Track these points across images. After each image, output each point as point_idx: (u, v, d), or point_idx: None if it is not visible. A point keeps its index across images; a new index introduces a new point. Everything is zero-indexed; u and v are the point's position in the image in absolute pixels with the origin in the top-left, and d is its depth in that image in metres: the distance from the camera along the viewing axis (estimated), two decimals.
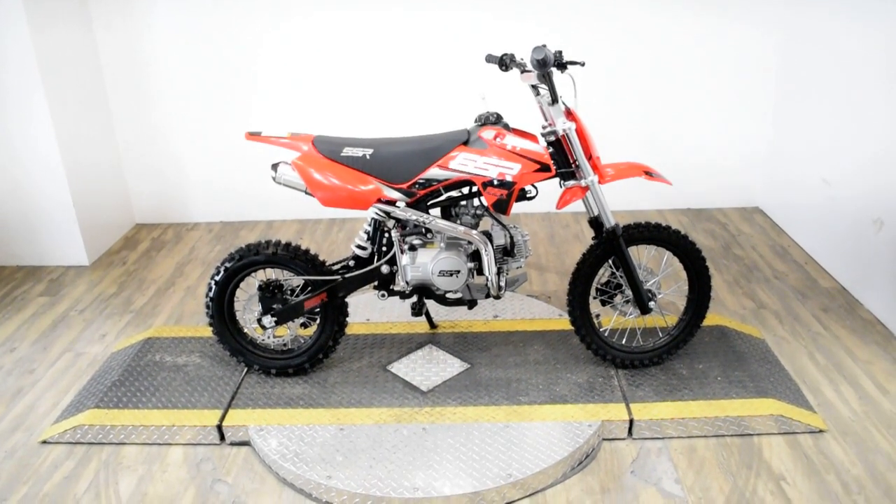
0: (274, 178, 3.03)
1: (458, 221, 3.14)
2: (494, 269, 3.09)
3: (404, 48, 4.97)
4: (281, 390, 3.27)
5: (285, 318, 3.14)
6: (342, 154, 2.98)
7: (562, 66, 2.84)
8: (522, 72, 3.01)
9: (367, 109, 5.12)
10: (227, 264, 3.11)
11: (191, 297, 4.32)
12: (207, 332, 3.72)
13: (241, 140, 4.99)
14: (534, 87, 3.01)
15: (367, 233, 3.17)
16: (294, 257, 3.11)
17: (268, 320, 3.14)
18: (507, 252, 3.12)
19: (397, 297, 3.27)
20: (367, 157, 2.98)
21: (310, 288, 3.15)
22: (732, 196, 5.50)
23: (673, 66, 5.07)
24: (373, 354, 3.52)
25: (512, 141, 2.96)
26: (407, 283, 3.15)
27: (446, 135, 3.03)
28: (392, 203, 3.04)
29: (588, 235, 5.06)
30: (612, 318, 3.43)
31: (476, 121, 3.06)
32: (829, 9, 4.40)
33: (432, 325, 3.64)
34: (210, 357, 3.53)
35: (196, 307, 4.19)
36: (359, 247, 3.19)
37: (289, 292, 3.16)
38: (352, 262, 3.22)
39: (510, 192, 2.97)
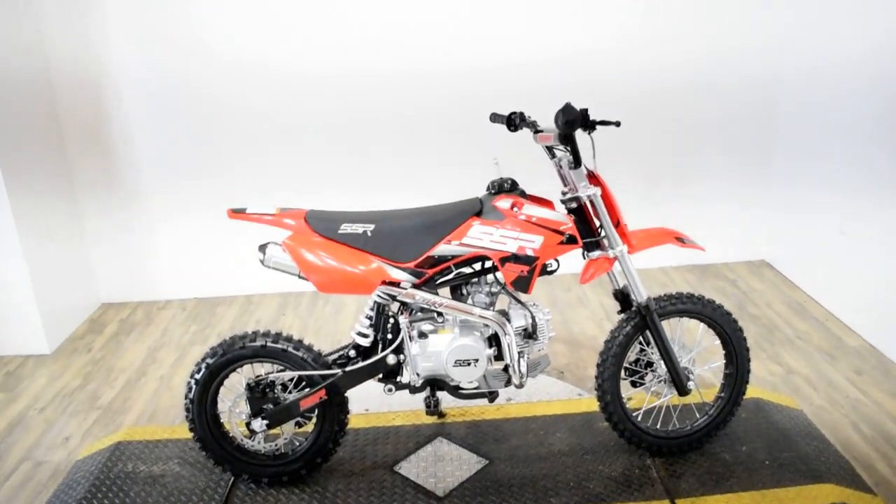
0: (262, 262, 2.66)
1: (471, 301, 2.78)
2: (516, 355, 2.72)
3: (402, 110, 4.66)
4: (275, 502, 2.84)
5: (278, 420, 2.74)
6: (339, 231, 2.63)
7: (590, 126, 2.53)
8: (536, 132, 2.70)
9: (363, 179, 4.78)
10: (209, 360, 2.72)
11: (165, 388, 3.89)
12: (186, 431, 3.27)
13: (214, 208, 4.61)
14: (549, 148, 2.70)
15: (370, 318, 2.80)
16: (286, 350, 2.72)
17: (258, 424, 2.73)
18: (528, 334, 2.76)
19: (405, 391, 2.88)
20: (368, 233, 2.63)
21: (305, 384, 2.76)
22: (738, 250, 5.23)
23: (674, 118, 4.82)
24: (377, 453, 3.11)
25: (531, 210, 2.63)
26: (417, 375, 2.77)
27: (456, 205, 2.69)
28: (397, 285, 2.67)
29: (592, 298, 4.73)
30: (644, 400, 3.08)
31: (489, 188, 2.74)
32: (830, 59, 4.20)
33: (440, 414, 3.24)
34: (191, 464, 3.09)
35: (172, 400, 3.75)
36: (360, 334, 2.81)
37: (281, 389, 2.76)
38: (352, 352, 2.84)
39: (532, 268, 2.64)
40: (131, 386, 3.94)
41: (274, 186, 4.75)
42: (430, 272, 2.68)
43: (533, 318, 2.76)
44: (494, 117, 2.98)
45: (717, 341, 3.00)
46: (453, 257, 2.67)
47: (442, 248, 2.65)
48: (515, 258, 2.64)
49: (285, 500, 2.86)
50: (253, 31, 4.45)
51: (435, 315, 2.77)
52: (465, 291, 2.82)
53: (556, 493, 2.84)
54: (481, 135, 4.36)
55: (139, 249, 4.90)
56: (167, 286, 4.99)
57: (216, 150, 4.69)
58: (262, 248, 2.67)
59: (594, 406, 3.27)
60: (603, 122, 2.58)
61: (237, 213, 2.64)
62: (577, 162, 2.62)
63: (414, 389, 2.83)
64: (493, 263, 2.70)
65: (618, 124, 2.60)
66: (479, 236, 2.64)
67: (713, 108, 4.81)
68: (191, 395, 2.77)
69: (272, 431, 2.79)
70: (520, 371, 2.75)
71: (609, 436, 3.15)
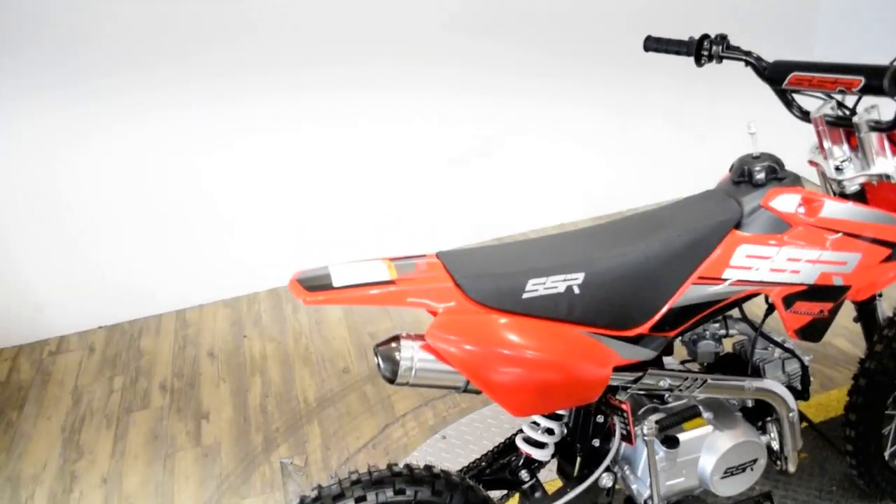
0: (391, 377, 1.38)
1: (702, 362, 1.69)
2: (799, 433, 1.68)
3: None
4: None
5: None
6: (525, 294, 1.39)
7: None
8: (803, 71, 1.58)
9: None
10: None
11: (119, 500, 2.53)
12: None
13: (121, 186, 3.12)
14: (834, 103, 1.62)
15: (557, 418, 1.63)
16: (430, 500, 1.52)
17: None
18: (797, 393, 1.72)
19: None
20: (575, 289, 1.42)
21: None
22: None
23: None
24: None
25: (837, 210, 1.53)
26: (652, 500, 1.65)
27: (697, 213, 1.54)
28: (635, 369, 1.51)
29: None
30: None
31: (738, 175, 1.59)
32: None
33: None
34: None
35: None
36: (533, 443, 1.64)
37: None
38: (524, 474, 1.66)
39: (837, 305, 1.56)
40: None
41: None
42: (673, 334, 1.53)
43: (804, 369, 1.71)
44: (656, 44, 1.82)
45: None
46: (706, 306, 1.53)
47: (691, 294, 1.50)
48: (813, 293, 1.55)
49: None
50: None
51: (676, 401, 1.64)
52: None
53: None
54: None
55: (6, 274, 3.30)
56: (56, 316, 3.44)
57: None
58: (387, 350, 1.38)
59: None
60: None
61: (314, 290, 1.30)
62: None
63: None
64: (769, 302, 1.59)
65: None
66: (750, 264, 1.51)
67: None
68: None
69: None
70: (795, 453, 1.72)
71: (827, 485, 2.24)
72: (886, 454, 2.11)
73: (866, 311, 2.00)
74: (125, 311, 3.54)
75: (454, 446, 2.56)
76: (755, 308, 1.69)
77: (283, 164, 3.44)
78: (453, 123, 3.59)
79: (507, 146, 3.74)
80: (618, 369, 1.50)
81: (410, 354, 1.34)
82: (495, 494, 1.75)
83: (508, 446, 1.74)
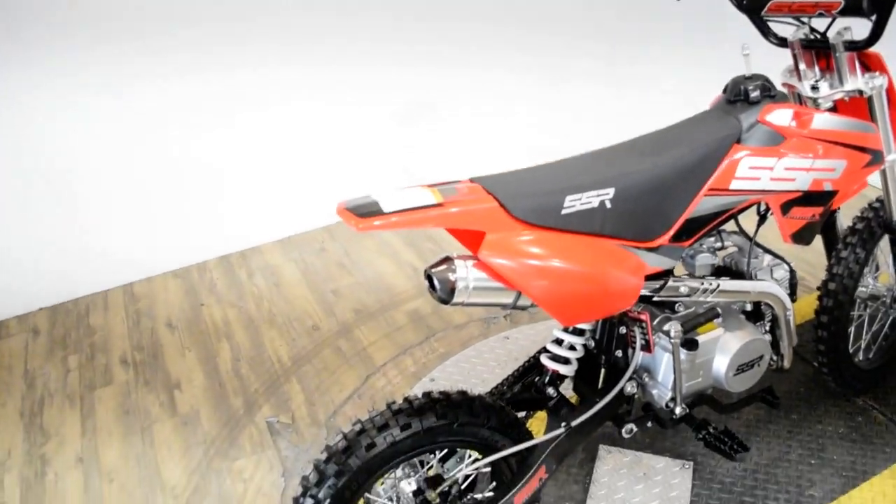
0: (444, 297, 1.41)
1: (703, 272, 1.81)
2: (794, 331, 1.83)
3: None
4: None
5: None
6: (564, 210, 1.45)
7: None
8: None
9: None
10: (329, 484, 1.49)
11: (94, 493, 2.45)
12: None
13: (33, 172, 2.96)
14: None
15: (580, 333, 1.70)
16: (457, 423, 1.57)
17: None
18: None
19: (629, 427, 1.85)
20: (608, 204, 1.48)
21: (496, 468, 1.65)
22: None
23: None
24: (548, 499, 2.10)
25: (825, 122, 1.66)
26: (674, 400, 1.76)
27: (702, 130, 1.63)
28: (659, 277, 1.60)
29: None
30: None
31: (732, 94, 1.69)
32: None
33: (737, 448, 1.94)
34: None
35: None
36: (558, 359, 1.71)
37: (463, 489, 1.63)
38: (551, 391, 1.73)
39: (826, 209, 1.70)
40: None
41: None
42: (688, 244, 1.63)
43: (792, 273, 1.86)
44: None
45: None
46: (716, 216, 1.63)
47: (703, 205, 1.60)
48: (806, 199, 1.68)
49: None
50: None
51: (685, 309, 1.75)
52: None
53: (808, 480, 2.09)
54: None
55: None
56: None
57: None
58: (442, 272, 1.41)
59: None
60: None
61: (366, 217, 1.31)
62: (873, 39, 1.67)
63: (673, 422, 1.82)
64: (764, 211, 1.72)
65: None
66: (754, 174, 1.62)
67: None
68: None
69: None
70: (790, 349, 1.86)
71: (795, 387, 2.44)
72: (851, 351, 2.31)
73: (827, 223, 2.18)
74: (66, 290, 3.38)
75: (443, 388, 2.60)
76: (746, 222, 1.82)
77: (226, 135, 3.35)
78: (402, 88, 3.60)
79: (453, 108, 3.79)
80: (645, 278, 1.58)
81: (465, 274, 1.36)
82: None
83: (528, 368, 1.80)
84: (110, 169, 3.21)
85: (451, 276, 1.36)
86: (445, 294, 1.37)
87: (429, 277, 1.38)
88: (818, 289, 2.20)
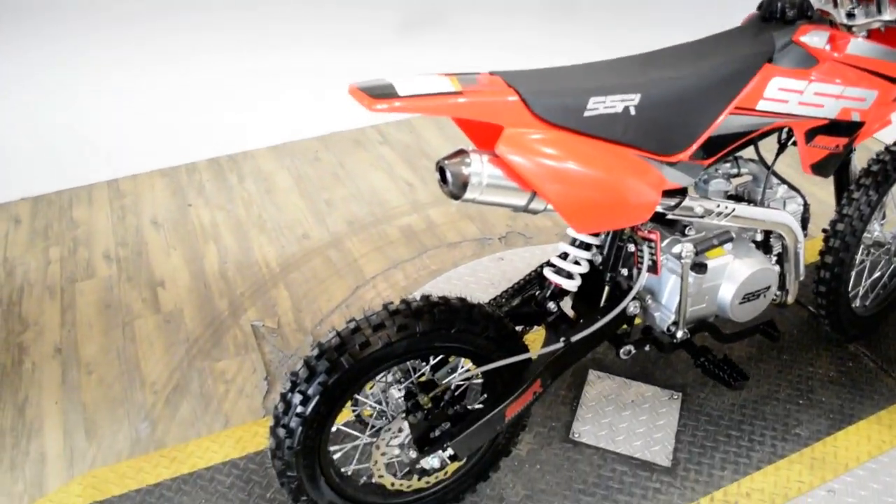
0: (459, 193, 1.33)
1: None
2: (803, 266, 1.78)
3: None
4: None
5: (470, 446, 1.59)
6: (587, 112, 1.37)
7: None
8: None
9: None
10: (320, 381, 1.44)
11: (80, 367, 2.40)
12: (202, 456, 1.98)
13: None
14: None
15: (587, 247, 1.64)
16: (454, 329, 1.52)
17: (435, 460, 1.55)
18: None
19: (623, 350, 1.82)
20: (632, 110, 1.41)
21: (493, 381, 1.61)
22: None
23: None
24: (535, 419, 2.09)
25: (861, 48, 1.58)
26: (676, 324, 1.72)
27: (732, 44, 1.55)
28: (676, 194, 1.54)
29: None
30: None
31: (768, 11, 1.60)
32: None
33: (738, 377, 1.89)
34: None
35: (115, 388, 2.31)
36: (562, 273, 1.66)
37: (455, 397, 1.59)
38: (551, 305, 1.68)
39: (851, 141, 1.64)
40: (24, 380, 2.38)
41: None
42: (708, 163, 1.56)
43: (806, 207, 1.80)
44: None
45: None
46: (738, 137, 1.56)
47: (728, 123, 1.53)
48: (832, 128, 1.61)
49: None
50: None
51: (695, 233, 1.69)
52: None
53: (796, 419, 2.08)
54: None
55: None
56: None
57: None
58: (456, 164, 1.33)
59: None
60: None
61: (379, 98, 1.23)
62: None
63: (673, 347, 1.78)
64: (785, 140, 1.65)
65: None
66: (782, 96, 1.54)
67: None
68: (291, 445, 1.49)
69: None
70: (796, 284, 1.82)
71: (788, 329, 2.42)
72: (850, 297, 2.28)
73: (842, 164, 2.11)
74: (50, 182, 3.27)
75: None
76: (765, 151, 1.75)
77: (225, 36, 3.20)
78: None
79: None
80: (667, 196, 1.52)
81: (480, 168, 1.29)
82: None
83: (529, 282, 1.74)
84: (102, 61, 3.07)
85: (465, 170, 1.29)
86: (457, 189, 1.30)
87: (441, 170, 1.31)
88: (823, 231, 2.16)
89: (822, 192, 3.00)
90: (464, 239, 2.88)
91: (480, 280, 2.63)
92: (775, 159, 1.73)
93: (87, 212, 3.14)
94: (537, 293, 1.70)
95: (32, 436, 2.16)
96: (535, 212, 1.38)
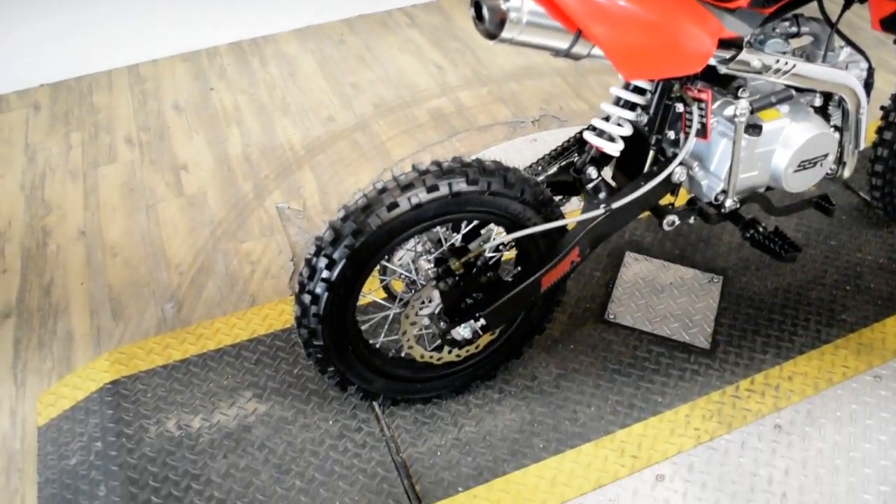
0: (496, 31, 1.21)
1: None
2: (864, 135, 1.64)
3: None
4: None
5: (505, 316, 1.52)
6: None
7: None
8: None
9: None
10: (346, 244, 1.36)
11: (104, 247, 2.36)
12: (218, 335, 1.95)
13: None
14: None
15: (630, 106, 1.52)
16: (487, 191, 1.43)
17: (466, 330, 1.49)
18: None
19: (672, 223, 1.71)
20: None
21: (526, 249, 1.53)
22: None
23: None
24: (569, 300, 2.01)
25: None
26: (724, 192, 1.61)
27: None
28: (733, 45, 1.40)
29: None
30: None
31: None
32: None
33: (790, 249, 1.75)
34: (275, 395, 1.82)
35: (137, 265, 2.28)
36: (604, 135, 1.55)
37: (487, 265, 1.51)
38: (591, 171, 1.58)
39: None
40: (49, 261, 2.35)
41: None
42: (768, 12, 1.41)
43: (870, 73, 1.65)
44: None
45: None
46: None
47: None
48: None
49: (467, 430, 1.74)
50: None
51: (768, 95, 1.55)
52: None
53: (842, 305, 1.99)
54: None
55: None
56: None
57: None
58: (486, 3, 1.20)
59: None
60: None
61: None
62: None
63: (720, 217, 1.68)
64: None
65: None
66: None
67: None
68: (317, 312, 1.43)
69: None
70: (855, 156, 1.69)
71: (837, 215, 2.29)
72: None
73: None
74: (68, 68, 3.17)
75: None
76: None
77: None
78: None
79: None
80: (724, 46, 1.38)
81: (519, 4, 1.16)
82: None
83: (567, 148, 1.63)
84: None
85: (503, 5, 1.16)
86: (494, 27, 1.17)
87: (476, 4, 1.18)
88: (882, 108, 2.00)
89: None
90: (495, 122, 2.76)
91: (512, 161, 2.52)
92: (840, 16, 1.57)
93: (107, 97, 3.05)
94: (576, 159, 1.59)
95: (59, 316, 2.14)
96: (577, 57, 1.26)
